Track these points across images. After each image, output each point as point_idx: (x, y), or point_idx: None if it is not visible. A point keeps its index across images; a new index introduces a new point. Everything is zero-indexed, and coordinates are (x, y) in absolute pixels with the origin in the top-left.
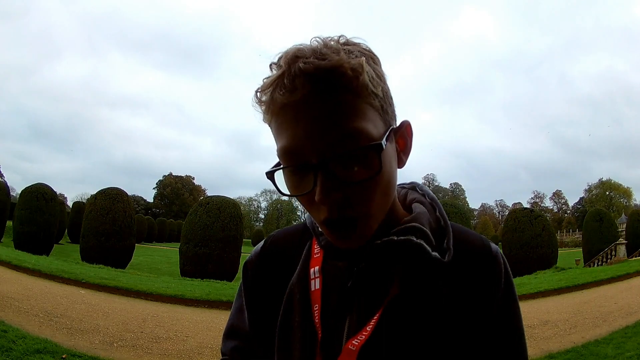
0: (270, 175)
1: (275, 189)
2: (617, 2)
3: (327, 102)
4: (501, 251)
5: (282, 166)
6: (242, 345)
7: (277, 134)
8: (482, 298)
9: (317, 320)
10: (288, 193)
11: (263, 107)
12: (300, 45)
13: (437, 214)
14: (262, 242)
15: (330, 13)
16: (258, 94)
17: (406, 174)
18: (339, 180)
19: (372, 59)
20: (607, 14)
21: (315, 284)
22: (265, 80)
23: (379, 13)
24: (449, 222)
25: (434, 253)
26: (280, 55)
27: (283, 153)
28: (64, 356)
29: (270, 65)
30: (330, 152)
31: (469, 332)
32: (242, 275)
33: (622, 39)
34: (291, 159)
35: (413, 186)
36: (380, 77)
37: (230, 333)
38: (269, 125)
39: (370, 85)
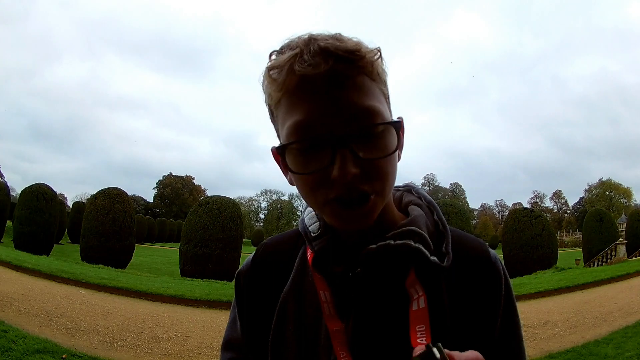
0: (280, 150)
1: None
2: (608, 3)
3: (346, 81)
4: (499, 256)
5: (294, 140)
6: (238, 357)
7: (290, 109)
8: (485, 306)
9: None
10: (298, 171)
11: (273, 85)
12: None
13: (435, 217)
14: (254, 252)
15: (325, 17)
16: (270, 71)
17: (406, 175)
18: (358, 156)
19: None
20: (598, 16)
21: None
22: (276, 58)
23: (372, 17)
24: (447, 225)
25: (432, 257)
26: (284, 43)
27: (297, 127)
28: (64, 356)
29: (271, 53)
30: (351, 128)
31: (472, 339)
32: (234, 286)
33: (615, 40)
34: (306, 133)
35: (408, 188)
36: (386, 71)
37: (227, 345)
38: (275, 105)
39: (383, 74)
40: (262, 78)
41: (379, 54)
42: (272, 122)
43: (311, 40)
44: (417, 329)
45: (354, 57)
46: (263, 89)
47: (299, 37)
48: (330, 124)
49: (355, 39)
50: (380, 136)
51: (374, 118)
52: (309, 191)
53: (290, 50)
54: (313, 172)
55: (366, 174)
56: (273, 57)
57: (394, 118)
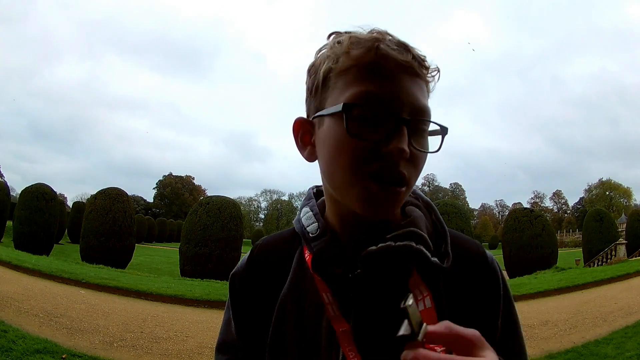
0: (347, 108)
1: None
2: (608, 4)
3: (416, 77)
4: (495, 257)
5: (364, 104)
6: (233, 359)
7: (360, 80)
8: (485, 306)
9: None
10: (355, 133)
11: (347, 55)
12: None
13: (434, 218)
14: (248, 252)
15: (324, 16)
16: (352, 38)
17: None
18: (411, 142)
19: None
20: (598, 16)
21: (328, 298)
22: (357, 34)
23: (371, 17)
24: (446, 226)
25: (433, 259)
26: (347, 30)
27: (367, 95)
28: (64, 356)
29: (331, 34)
30: (416, 115)
31: None
32: (229, 287)
33: (614, 40)
34: (375, 104)
35: None
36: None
37: (221, 347)
38: (339, 73)
39: (431, 92)
40: (330, 44)
41: (438, 73)
42: (317, 91)
43: (387, 33)
44: None
45: (423, 64)
46: (327, 54)
47: (372, 28)
48: (402, 106)
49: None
50: (426, 135)
51: (429, 117)
52: (352, 160)
53: (363, 34)
54: (367, 140)
55: (409, 162)
56: (332, 37)
57: None
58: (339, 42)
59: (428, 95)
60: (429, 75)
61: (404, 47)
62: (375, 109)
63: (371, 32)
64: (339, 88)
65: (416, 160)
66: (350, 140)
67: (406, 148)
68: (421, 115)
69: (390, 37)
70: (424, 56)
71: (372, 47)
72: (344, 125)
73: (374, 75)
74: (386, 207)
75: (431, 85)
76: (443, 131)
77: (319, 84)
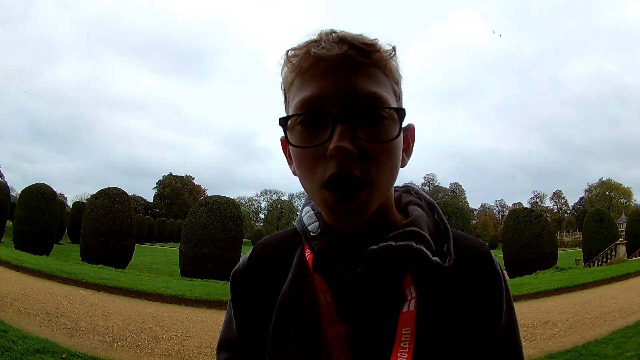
0: (284, 121)
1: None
2: (607, 4)
3: (357, 67)
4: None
5: (298, 113)
6: (234, 357)
7: (300, 88)
8: (488, 307)
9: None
10: (298, 144)
11: (289, 69)
12: None
13: (436, 217)
14: (250, 251)
15: (323, 17)
16: (289, 52)
17: (406, 175)
18: (357, 135)
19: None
20: (597, 16)
21: (327, 298)
22: (297, 44)
23: (371, 17)
24: (448, 226)
25: (434, 258)
26: (297, 45)
27: (304, 102)
28: (64, 356)
29: (287, 51)
30: (353, 108)
31: (474, 339)
32: (230, 286)
33: (612, 40)
34: (312, 108)
35: (407, 189)
36: (400, 75)
37: (222, 345)
38: (288, 88)
39: (396, 73)
40: (280, 66)
41: (393, 52)
42: (285, 110)
43: (332, 31)
44: (403, 332)
45: (368, 49)
46: (281, 76)
47: (320, 31)
48: (335, 102)
49: (373, 37)
50: (382, 124)
51: (379, 104)
52: (308, 168)
53: (302, 43)
54: (312, 146)
55: (361, 158)
56: (290, 53)
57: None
58: (283, 58)
59: (392, 77)
60: (386, 56)
61: (341, 40)
62: (312, 113)
63: (318, 33)
64: (290, 102)
65: (372, 154)
66: (297, 150)
67: (345, 144)
68: (367, 104)
69: (332, 34)
70: (372, 40)
71: (305, 53)
72: (287, 139)
73: (310, 79)
74: (348, 218)
75: (393, 64)
76: (399, 114)
77: (284, 102)
